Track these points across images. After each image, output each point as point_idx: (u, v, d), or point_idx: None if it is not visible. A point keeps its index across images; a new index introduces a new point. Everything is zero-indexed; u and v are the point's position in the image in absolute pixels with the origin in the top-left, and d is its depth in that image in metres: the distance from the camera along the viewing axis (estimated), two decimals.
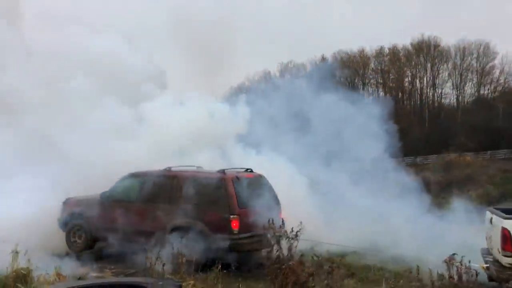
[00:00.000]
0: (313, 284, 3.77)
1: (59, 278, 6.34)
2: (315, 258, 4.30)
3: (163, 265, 6.60)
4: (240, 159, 11.16)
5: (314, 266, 4.25)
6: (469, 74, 55.19)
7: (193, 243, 7.72)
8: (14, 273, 5.62)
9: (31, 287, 5.63)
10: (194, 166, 9.26)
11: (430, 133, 50.97)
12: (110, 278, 5.51)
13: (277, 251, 3.87)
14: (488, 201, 21.50)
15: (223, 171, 8.12)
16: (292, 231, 3.86)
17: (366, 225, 14.35)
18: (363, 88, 59.73)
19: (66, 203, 9.61)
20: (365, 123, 14.74)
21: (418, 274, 4.57)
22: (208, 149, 11.36)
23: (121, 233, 8.78)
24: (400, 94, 57.85)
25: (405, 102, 58.02)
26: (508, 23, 71.38)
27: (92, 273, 7.95)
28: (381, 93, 59.21)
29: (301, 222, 4.09)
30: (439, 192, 26.95)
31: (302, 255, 4.04)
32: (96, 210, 8.96)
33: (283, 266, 3.74)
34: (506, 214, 6.08)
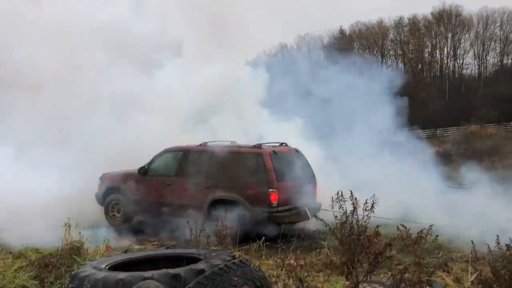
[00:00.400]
0: (390, 255, 3.81)
1: (107, 251, 6.56)
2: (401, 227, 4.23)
3: (207, 237, 6.77)
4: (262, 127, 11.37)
5: (389, 237, 4.27)
6: (492, 43, 53.95)
7: (232, 216, 7.86)
8: (68, 246, 5.83)
9: (85, 259, 5.83)
10: (228, 141, 9.36)
11: (450, 105, 50.30)
12: (162, 250, 5.67)
13: (350, 222, 3.88)
14: None
15: (260, 146, 8.19)
16: (366, 202, 3.86)
17: (394, 197, 14.47)
18: (381, 60, 58.96)
19: (103, 178, 9.83)
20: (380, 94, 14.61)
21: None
22: (227, 116, 11.40)
23: (159, 207, 8.99)
24: (419, 65, 56.91)
25: (425, 73, 57.08)
26: None
27: (134, 246, 8.19)
28: (400, 65, 58.40)
29: (373, 194, 4.10)
30: (462, 163, 26.74)
31: (378, 226, 4.05)
32: (134, 185, 9.14)
33: (361, 237, 3.77)
34: None
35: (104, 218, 9.57)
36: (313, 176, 8.73)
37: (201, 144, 8.86)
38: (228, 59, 13.55)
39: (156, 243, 8.40)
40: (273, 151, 8.08)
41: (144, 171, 9.18)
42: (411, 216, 10.56)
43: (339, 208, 4.14)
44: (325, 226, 4.29)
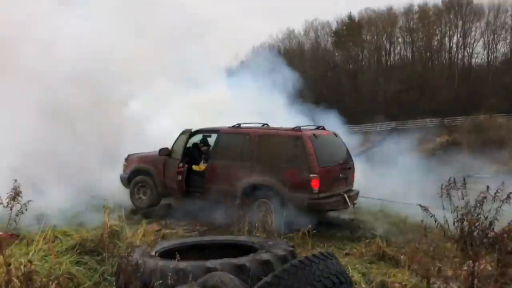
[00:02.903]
0: None
1: (144, 236, 6.19)
2: None
3: (247, 224, 6.41)
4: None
5: None
6: (503, 33, 53.19)
7: (270, 201, 7.49)
8: (108, 230, 5.45)
9: (126, 243, 5.46)
10: (259, 123, 8.95)
11: (459, 94, 49.74)
12: (211, 237, 5.29)
13: (478, 215, 3.46)
14: None
15: (299, 128, 7.76)
16: (497, 191, 3.45)
17: (416, 182, 14.18)
18: (390, 47, 58.19)
19: (128, 159, 9.44)
20: None
21: None
22: None
23: (189, 191, 8.63)
24: (428, 53, 56.17)
25: (433, 62, 56.37)
26: None
27: (164, 230, 7.83)
28: (409, 53, 57.67)
29: (503, 182, 3.69)
30: (474, 153, 26.40)
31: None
32: (163, 167, 8.74)
33: (488, 233, 3.34)
34: None
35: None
36: (352, 161, 8.33)
37: (234, 126, 8.43)
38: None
39: (186, 227, 8.04)
40: (313, 134, 7.65)
41: (167, 153, 8.74)
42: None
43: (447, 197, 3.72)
44: (435, 222, 3.79)
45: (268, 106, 13.05)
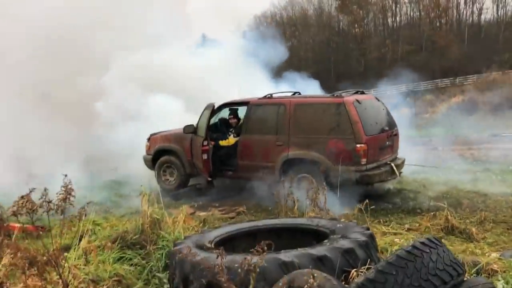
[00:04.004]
0: None
1: (184, 222, 5.60)
2: None
3: (296, 202, 5.81)
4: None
5: None
6: None
7: (313, 177, 6.87)
8: (149, 219, 4.86)
9: (169, 232, 4.88)
10: (291, 92, 8.27)
11: (469, 51, 48.39)
12: (263, 221, 4.68)
13: None
14: None
15: (340, 95, 7.06)
16: None
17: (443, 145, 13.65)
18: (395, 8, 56.49)
19: (151, 139, 8.82)
20: None
21: None
22: None
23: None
24: (436, 11, 54.47)
25: (441, 20, 54.75)
26: None
27: (199, 213, 7.27)
28: (416, 13, 56.01)
29: None
30: (492, 112, 25.66)
31: None
32: (189, 145, 8.11)
33: None
34: None
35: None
36: (396, 126, 7.65)
37: (265, 96, 7.74)
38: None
39: (221, 208, 7.48)
40: (356, 99, 6.95)
41: (192, 130, 8.07)
42: None
43: None
44: None
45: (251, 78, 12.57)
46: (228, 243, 4.18)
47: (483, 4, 52.55)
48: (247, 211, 7.08)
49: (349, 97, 6.98)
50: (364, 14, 55.89)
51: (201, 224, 5.74)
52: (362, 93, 7.63)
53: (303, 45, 54.43)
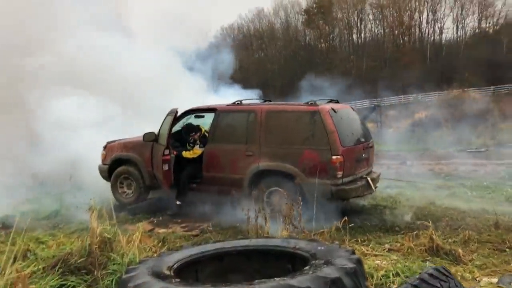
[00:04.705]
0: None
1: (141, 241, 4.92)
2: None
3: (269, 218, 5.22)
4: None
5: None
6: (471, 7, 53.36)
7: (285, 191, 6.33)
8: (98, 238, 4.16)
9: (121, 254, 4.20)
10: (260, 99, 7.74)
11: (431, 69, 49.63)
12: (231, 242, 4.07)
13: None
14: None
15: (314, 103, 6.58)
16: None
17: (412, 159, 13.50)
18: (360, 25, 57.47)
19: (108, 147, 8.07)
20: None
21: None
22: None
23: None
24: (400, 29, 55.82)
25: (405, 38, 56.16)
26: None
27: (158, 230, 6.57)
28: (380, 30, 57.17)
29: None
30: (454, 128, 26.10)
31: None
32: (149, 154, 7.42)
33: None
34: None
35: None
36: (371, 138, 7.23)
37: (235, 103, 7.18)
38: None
39: (184, 225, 6.81)
40: (332, 108, 6.48)
41: (153, 138, 7.39)
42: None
43: None
44: None
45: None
46: (191, 267, 3.55)
47: (444, 24, 54.27)
48: (212, 228, 6.46)
49: (324, 106, 6.51)
50: (330, 29, 56.58)
51: (160, 244, 5.06)
52: (337, 102, 7.17)
53: (270, 57, 54.42)
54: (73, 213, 7.36)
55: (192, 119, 7.90)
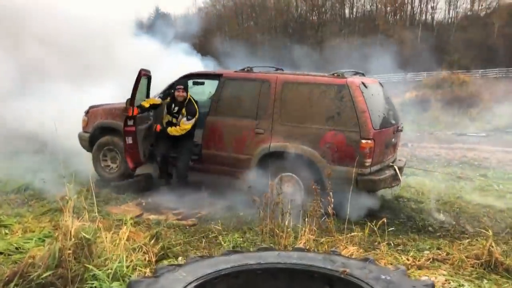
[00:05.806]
0: None
1: (128, 240, 3.87)
2: None
3: (287, 214, 4.22)
4: None
5: None
6: None
7: (299, 178, 5.33)
8: (73, 241, 3.08)
9: (104, 259, 3.14)
10: (272, 66, 6.61)
11: (422, 49, 48.84)
12: (260, 252, 3.00)
13: None
14: None
15: (342, 74, 5.50)
16: None
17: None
18: (352, 1, 55.88)
19: (90, 112, 6.88)
20: None
21: None
22: None
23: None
24: (393, 5, 54.55)
25: (396, 16, 55.00)
26: None
27: (147, 215, 5.50)
28: (373, 6, 55.80)
29: None
30: (445, 110, 25.51)
31: None
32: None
33: None
34: None
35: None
36: (400, 120, 6.23)
37: (244, 69, 6.05)
38: None
39: (177, 212, 5.74)
40: (362, 82, 5.43)
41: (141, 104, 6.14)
42: None
43: None
44: None
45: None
46: None
47: (437, 4, 53.22)
48: (211, 217, 5.43)
49: (354, 79, 5.44)
50: (323, 1, 54.99)
51: (152, 242, 3.99)
52: (363, 75, 6.10)
53: (260, 28, 52.69)
54: (47, 186, 6.16)
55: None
